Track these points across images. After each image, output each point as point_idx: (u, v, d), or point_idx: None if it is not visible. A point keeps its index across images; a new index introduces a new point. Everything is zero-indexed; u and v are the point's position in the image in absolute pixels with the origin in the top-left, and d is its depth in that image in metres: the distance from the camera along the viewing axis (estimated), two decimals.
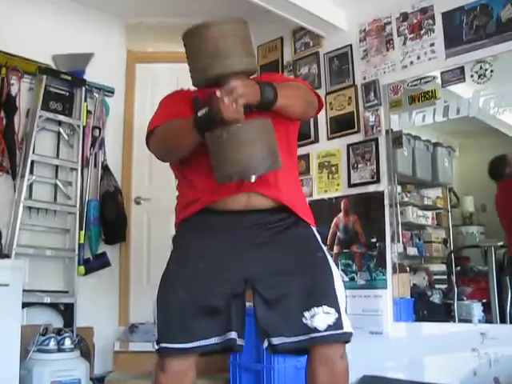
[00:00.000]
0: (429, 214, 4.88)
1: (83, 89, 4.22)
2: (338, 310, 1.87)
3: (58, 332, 3.59)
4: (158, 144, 2.08)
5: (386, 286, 3.67)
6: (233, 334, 1.92)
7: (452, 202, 5.01)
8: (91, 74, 4.34)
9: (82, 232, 4.09)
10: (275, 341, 1.91)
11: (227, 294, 1.94)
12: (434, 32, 3.68)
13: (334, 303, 1.88)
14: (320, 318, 1.85)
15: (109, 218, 4.23)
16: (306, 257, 1.98)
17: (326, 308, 1.86)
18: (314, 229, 2.11)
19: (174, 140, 2.01)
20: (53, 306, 3.87)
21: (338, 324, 1.86)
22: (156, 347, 1.94)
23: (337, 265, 3.73)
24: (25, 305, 3.50)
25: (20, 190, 3.80)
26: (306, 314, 1.85)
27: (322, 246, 2.06)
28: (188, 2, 4.25)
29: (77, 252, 4.03)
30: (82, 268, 4.07)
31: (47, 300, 3.80)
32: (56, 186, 4.09)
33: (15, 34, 3.94)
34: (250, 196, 1.97)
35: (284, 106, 1.93)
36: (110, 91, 4.50)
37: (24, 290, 3.41)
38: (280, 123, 1.97)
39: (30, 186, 3.93)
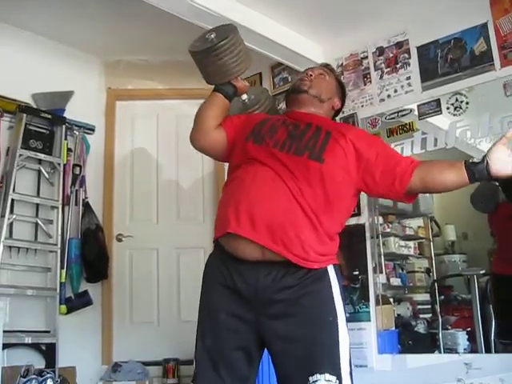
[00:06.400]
0: (411, 243, 4.91)
1: (63, 127, 4.20)
2: (339, 377, 1.93)
3: (40, 373, 3.52)
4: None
5: (369, 319, 3.67)
6: None
7: (434, 232, 5.05)
8: (71, 112, 4.34)
9: (64, 271, 4.04)
10: None
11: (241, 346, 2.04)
12: (409, 66, 3.75)
13: (336, 371, 1.94)
14: None
15: (90, 256, 4.19)
16: (316, 321, 2.00)
17: (327, 376, 1.92)
18: (332, 270, 2.08)
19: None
20: (34, 346, 3.78)
21: None
22: None
23: None
24: (5, 346, 3.44)
25: (0, 229, 3.76)
26: (310, 378, 1.92)
27: (336, 303, 2.04)
28: (166, 39, 4.27)
29: (58, 291, 3.96)
30: (63, 307, 4.00)
31: (28, 340, 3.73)
32: (37, 224, 4.05)
33: None
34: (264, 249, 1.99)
35: None
36: (91, 129, 4.49)
37: (4, 331, 3.36)
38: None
39: (11, 225, 3.88)
